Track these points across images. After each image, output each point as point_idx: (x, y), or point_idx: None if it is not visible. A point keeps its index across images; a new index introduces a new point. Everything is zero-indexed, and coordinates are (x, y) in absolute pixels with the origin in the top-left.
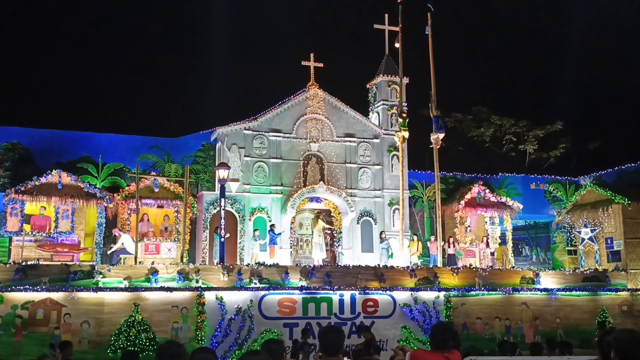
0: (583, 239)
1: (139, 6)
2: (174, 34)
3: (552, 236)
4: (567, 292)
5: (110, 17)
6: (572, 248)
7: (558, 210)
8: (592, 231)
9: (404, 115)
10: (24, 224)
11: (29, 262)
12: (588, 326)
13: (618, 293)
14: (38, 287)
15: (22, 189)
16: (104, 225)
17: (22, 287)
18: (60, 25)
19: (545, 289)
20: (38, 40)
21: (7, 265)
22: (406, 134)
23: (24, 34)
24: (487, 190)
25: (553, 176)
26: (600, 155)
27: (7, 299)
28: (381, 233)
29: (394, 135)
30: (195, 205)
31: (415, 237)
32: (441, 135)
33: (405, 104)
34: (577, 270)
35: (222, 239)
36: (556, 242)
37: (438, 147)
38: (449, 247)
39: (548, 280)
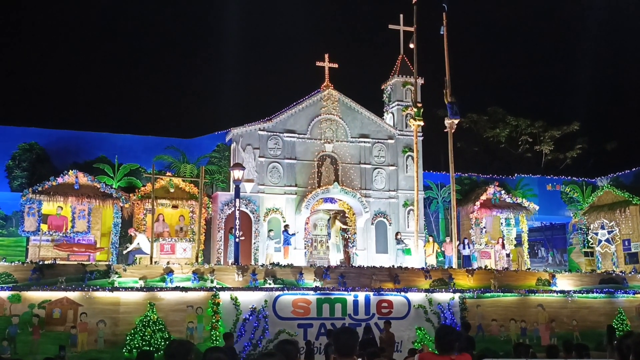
0: (600, 241)
1: (154, 8)
2: (190, 35)
3: (569, 238)
4: (584, 294)
5: (127, 19)
6: (588, 250)
7: (574, 212)
8: (609, 233)
9: (419, 105)
10: (41, 224)
11: (46, 262)
12: (605, 329)
13: (635, 295)
14: (55, 286)
15: (39, 189)
16: (120, 225)
17: (39, 287)
18: (77, 27)
19: (561, 291)
20: (55, 41)
21: (25, 265)
22: (421, 123)
23: (42, 35)
24: (503, 191)
25: (569, 177)
26: (618, 156)
27: (24, 298)
28: (397, 234)
29: (410, 126)
30: (210, 205)
31: (430, 239)
32: (456, 121)
33: (420, 103)
34: (593, 272)
35: (237, 239)
36: (573, 243)
37: (453, 130)
38: (463, 248)
39: (564, 282)
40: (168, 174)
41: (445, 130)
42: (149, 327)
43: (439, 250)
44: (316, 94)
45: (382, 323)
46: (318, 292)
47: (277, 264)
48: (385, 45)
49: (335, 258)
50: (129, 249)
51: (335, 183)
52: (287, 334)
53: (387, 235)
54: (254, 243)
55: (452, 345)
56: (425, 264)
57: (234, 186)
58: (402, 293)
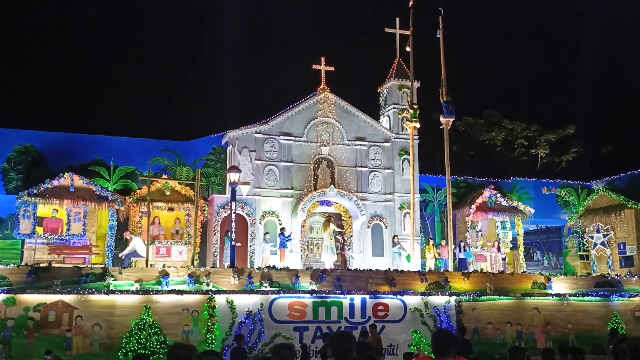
0: (595, 244)
1: (150, 10)
2: (186, 37)
3: (564, 241)
4: (579, 298)
5: (122, 21)
6: (584, 253)
7: (570, 215)
8: (604, 236)
9: (415, 106)
10: (36, 227)
11: (41, 265)
12: (600, 332)
13: (631, 299)
14: (50, 289)
15: (35, 191)
16: (116, 228)
17: (34, 290)
18: (72, 29)
19: (557, 294)
20: (50, 43)
21: (20, 268)
22: (417, 125)
23: (36, 38)
24: (499, 195)
25: (565, 180)
26: (613, 159)
27: (19, 301)
28: (394, 237)
29: (406, 129)
30: (206, 208)
31: (431, 242)
32: (451, 120)
33: (415, 104)
34: (589, 276)
35: (233, 243)
36: (568, 247)
37: (449, 128)
38: (459, 251)
39: (560, 285)
40: (164, 176)
41: (441, 127)
42: (145, 330)
43: (438, 257)
44: (312, 96)
45: (378, 326)
46: (314, 295)
47: (273, 267)
48: (381, 49)
49: (328, 261)
50: (125, 252)
51: (332, 186)
52: (283, 338)
53: (383, 238)
54: (250, 246)
55: (449, 349)
56: (422, 266)
57: (230, 189)
58: (398, 296)
